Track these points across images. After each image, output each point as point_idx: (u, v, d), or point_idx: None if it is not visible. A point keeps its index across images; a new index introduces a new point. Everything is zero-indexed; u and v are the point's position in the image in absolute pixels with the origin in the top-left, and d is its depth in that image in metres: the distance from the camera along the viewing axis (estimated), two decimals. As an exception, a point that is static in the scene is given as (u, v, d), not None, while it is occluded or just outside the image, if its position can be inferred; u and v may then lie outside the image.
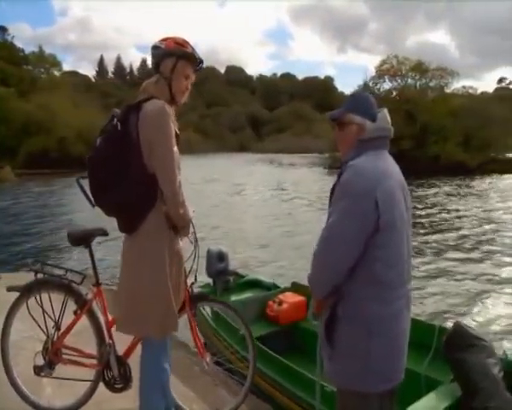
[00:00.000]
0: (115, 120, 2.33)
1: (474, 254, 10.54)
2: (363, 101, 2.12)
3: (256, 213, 17.38)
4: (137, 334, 2.41)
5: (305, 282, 5.03)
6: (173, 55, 2.38)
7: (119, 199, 2.33)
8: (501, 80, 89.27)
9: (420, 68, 40.56)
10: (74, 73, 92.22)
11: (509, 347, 5.52)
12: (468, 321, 6.36)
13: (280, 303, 4.71)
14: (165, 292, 2.38)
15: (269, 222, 15.06)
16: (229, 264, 5.28)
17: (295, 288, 5.07)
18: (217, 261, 5.15)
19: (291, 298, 4.79)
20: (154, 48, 2.43)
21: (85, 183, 2.46)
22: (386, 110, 2.12)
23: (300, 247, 10.61)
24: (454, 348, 3.04)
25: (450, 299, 7.59)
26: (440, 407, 2.68)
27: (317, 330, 2.18)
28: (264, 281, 5.53)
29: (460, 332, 3.11)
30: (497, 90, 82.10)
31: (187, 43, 2.45)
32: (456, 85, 41.97)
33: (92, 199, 2.42)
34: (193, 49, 2.45)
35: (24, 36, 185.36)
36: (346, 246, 1.88)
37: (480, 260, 10.05)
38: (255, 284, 5.54)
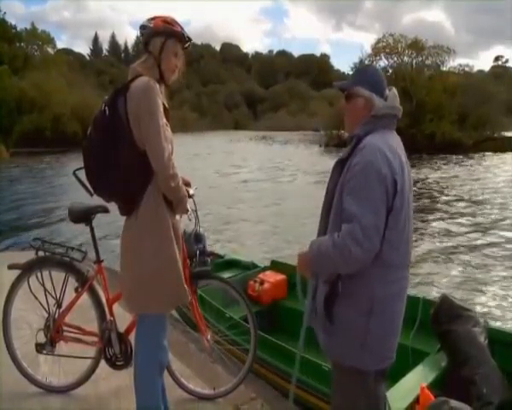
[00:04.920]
0: (103, 105, 2.31)
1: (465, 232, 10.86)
2: (371, 74, 2.10)
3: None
4: (149, 310, 2.40)
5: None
6: (162, 34, 2.37)
7: (114, 182, 2.32)
8: (497, 58, 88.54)
9: (416, 46, 40.17)
10: (68, 51, 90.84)
11: (489, 314, 5.73)
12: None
13: (261, 283, 4.70)
14: (173, 264, 2.39)
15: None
16: (207, 244, 5.26)
17: (275, 266, 5.06)
18: (193, 242, 5.11)
19: (272, 277, 4.79)
20: (143, 27, 2.41)
21: (81, 174, 2.46)
22: (395, 89, 2.10)
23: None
24: (441, 320, 3.15)
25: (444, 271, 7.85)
26: (430, 378, 2.81)
27: (302, 308, 2.16)
28: (243, 261, 5.49)
29: (447, 304, 3.22)
30: (493, 68, 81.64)
31: (175, 22, 2.43)
32: (452, 64, 41.66)
33: (90, 188, 2.42)
34: (181, 28, 2.44)
35: (17, 13, 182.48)
36: (379, 234, 1.83)
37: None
38: (234, 264, 5.49)
